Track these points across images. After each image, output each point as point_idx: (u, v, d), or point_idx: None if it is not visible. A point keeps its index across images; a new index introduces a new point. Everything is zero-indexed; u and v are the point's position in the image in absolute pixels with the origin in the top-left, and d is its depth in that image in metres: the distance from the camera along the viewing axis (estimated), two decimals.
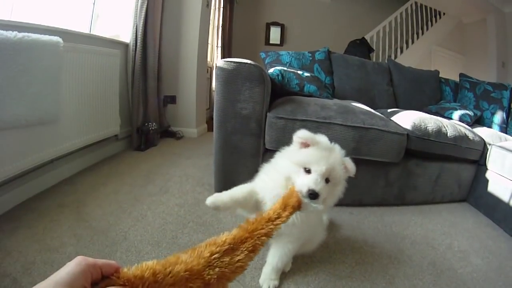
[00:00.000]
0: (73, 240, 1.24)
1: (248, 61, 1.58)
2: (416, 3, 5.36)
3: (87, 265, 0.38)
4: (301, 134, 0.93)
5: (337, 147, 0.97)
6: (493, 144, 2.07)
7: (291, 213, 0.75)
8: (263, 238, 0.66)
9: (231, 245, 0.60)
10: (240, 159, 1.65)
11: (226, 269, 0.56)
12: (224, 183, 1.70)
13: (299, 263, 1.26)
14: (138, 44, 2.38)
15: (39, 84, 1.46)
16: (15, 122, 1.36)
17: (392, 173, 1.87)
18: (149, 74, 2.57)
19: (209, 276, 0.53)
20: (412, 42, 5.39)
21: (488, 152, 2.07)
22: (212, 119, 1.74)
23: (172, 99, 2.98)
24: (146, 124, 2.51)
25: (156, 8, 2.53)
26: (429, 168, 1.97)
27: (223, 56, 3.86)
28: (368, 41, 5.02)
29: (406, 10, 5.33)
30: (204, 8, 3.01)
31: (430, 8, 5.51)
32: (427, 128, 1.84)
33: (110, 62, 2.10)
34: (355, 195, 1.85)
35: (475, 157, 2.10)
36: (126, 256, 1.16)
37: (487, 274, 1.38)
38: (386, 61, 2.87)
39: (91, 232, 1.30)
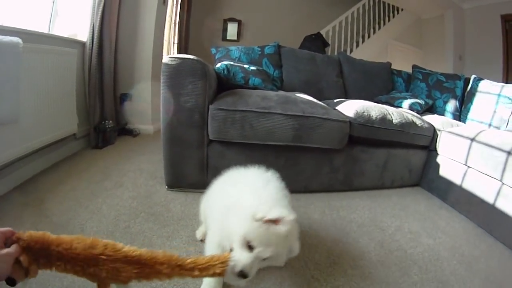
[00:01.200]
0: None
1: (192, 57, 1.66)
2: None
3: None
4: (275, 214, 0.80)
5: (291, 228, 0.83)
6: (443, 130, 2.18)
7: (205, 276, 0.76)
8: (162, 275, 0.71)
9: (127, 258, 0.68)
10: (186, 151, 1.73)
11: (106, 272, 0.67)
12: (173, 175, 1.79)
13: None
14: (95, 42, 2.44)
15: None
16: None
17: (336, 159, 1.95)
18: (105, 72, 2.63)
19: (93, 268, 0.67)
20: (369, 36, 5.52)
21: (438, 138, 2.18)
22: None
23: (129, 97, 3.04)
24: (103, 122, 2.56)
25: (113, 6, 2.59)
26: (375, 154, 2.06)
27: (179, 53, 3.90)
28: (324, 36, 5.12)
29: (364, 5, 5.41)
30: (160, 5, 3.07)
31: (388, 4, 5.65)
32: (371, 115, 1.93)
33: (67, 62, 2.17)
34: (301, 181, 1.94)
35: (425, 143, 2.21)
36: None
37: (439, 253, 1.41)
38: (337, 54, 3.00)
39: (52, 226, 1.37)
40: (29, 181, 1.84)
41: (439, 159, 2.20)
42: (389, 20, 5.66)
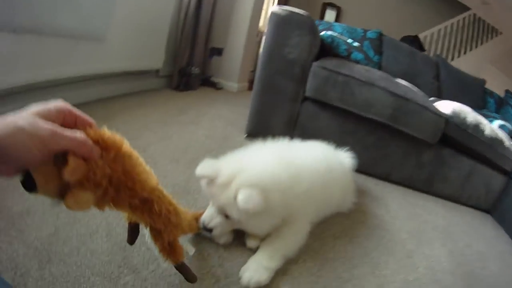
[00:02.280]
0: None
1: (302, 11, 1.63)
2: (474, 14, 5.15)
3: (65, 107, 0.41)
4: (198, 171, 0.82)
5: (241, 176, 0.81)
6: None
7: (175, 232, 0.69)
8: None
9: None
10: (278, 102, 1.67)
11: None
12: (257, 124, 1.72)
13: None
14: None
15: (93, 3, 1.53)
16: (65, 32, 1.42)
17: (425, 155, 1.83)
18: (201, 23, 2.65)
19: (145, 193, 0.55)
20: (465, 52, 5.19)
21: None
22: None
23: (219, 52, 3.01)
24: (189, 67, 2.57)
25: None
26: (462, 163, 1.92)
27: None
28: (422, 40, 4.88)
29: (464, 19, 5.12)
30: None
31: (488, 24, 5.28)
32: (466, 118, 1.80)
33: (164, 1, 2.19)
34: (384, 167, 1.80)
35: (508, 167, 2.02)
36: None
37: (499, 281, 1.28)
38: (435, 57, 2.82)
39: None
40: (100, 100, 1.82)
41: None
42: (486, 41, 5.23)
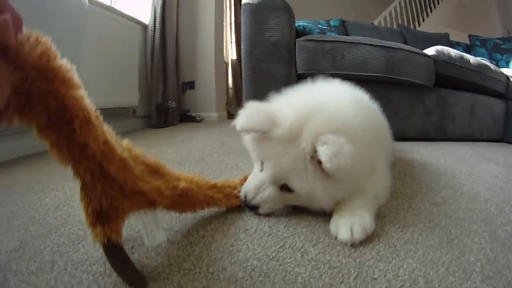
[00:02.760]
0: None
1: None
2: None
3: None
4: (241, 123, 0.58)
5: (317, 123, 0.56)
6: None
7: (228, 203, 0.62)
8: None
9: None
10: (272, 87, 1.63)
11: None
12: None
13: None
14: (157, 25, 2.46)
15: (62, 31, 1.46)
16: None
17: (428, 100, 1.84)
18: (168, 54, 2.61)
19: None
20: (419, 25, 5.45)
21: None
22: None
23: (191, 85, 2.94)
24: (166, 102, 2.50)
25: None
26: (461, 97, 1.97)
27: (238, 52, 3.85)
28: (377, 24, 5.06)
29: None
30: None
31: None
32: (450, 53, 1.87)
33: (131, 36, 2.15)
34: (396, 124, 1.73)
35: (501, 89, 2.12)
36: None
37: None
38: (398, 27, 2.97)
39: None
40: None
41: None
42: (435, 8, 5.52)
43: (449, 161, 1.30)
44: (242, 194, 0.62)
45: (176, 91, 2.76)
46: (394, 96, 1.74)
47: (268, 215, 0.63)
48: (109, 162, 0.40)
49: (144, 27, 2.50)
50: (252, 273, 0.45)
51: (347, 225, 0.54)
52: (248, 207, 0.62)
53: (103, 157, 0.39)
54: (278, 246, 0.52)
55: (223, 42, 3.41)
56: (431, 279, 0.45)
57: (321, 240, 0.55)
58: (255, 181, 0.61)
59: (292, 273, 0.46)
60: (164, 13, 2.52)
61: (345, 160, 0.50)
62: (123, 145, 0.46)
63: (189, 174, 0.58)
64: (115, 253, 0.41)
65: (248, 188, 0.62)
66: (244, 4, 1.63)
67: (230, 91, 3.92)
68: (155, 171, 0.50)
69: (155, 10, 2.47)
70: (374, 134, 0.70)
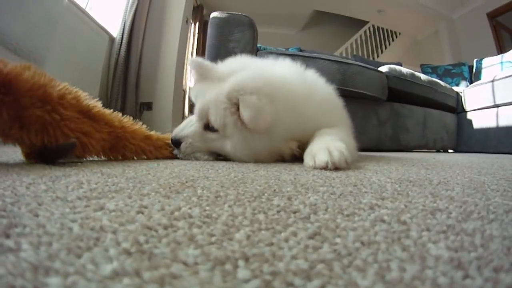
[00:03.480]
0: None
1: (239, 13, 1.77)
2: (373, 26, 5.90)
3: None
4: (193, 59, 0.71)
5: (243, 73, 0.64)
6: (465, 89, 2.42)
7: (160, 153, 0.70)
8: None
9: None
10: None
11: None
12: None
13: None
14: (124, 39, 2.53)
15: (37, 19, 1.53)
16: (7, 40, 1.39)
17: (382, 112, 1.99)
18: (131, 72, 2.66)
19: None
20: (377, 57, 5.84)
21: (463, 97, 2.37)
22: None
23: (149, 106, 2.95)
24: None
25: (143, 11, 2.75)
26: (414, 111, 2.13)
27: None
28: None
29: (365, 32, 5.87)
30: (184, 23, 3.24)
31: (387, 30, 6.05)
32: (402, 71, 2.06)
33: (98, 44, 2.25)
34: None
35: (452, 103, 2.34)
36: None
37: None
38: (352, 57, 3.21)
39: None
40: None
41: (469, 116, 2.34)
42: (389, 44, 5.94)
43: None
44: (173, 133, 0.70)
45: (134, 110, 2.78)
46: (349, 107, 1.85)
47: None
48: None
49: (112, 39, 2.56)
50: None
51: (324, 149, 0.54)
52: (173, 142, 0.69)
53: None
54: None
55: (183, 69, 3.49)
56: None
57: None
58: (185, 121, 0.70)
59: None
60: (132, 29, 2.61)
61: (264, 120, 0.58)
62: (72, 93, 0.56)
63: (128, 120, 0.69)
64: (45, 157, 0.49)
65: (178, 126, 0.70)
66: (213, 18, 1.76)
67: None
68: (90, 116, 0.59)
69: (124, 24, 2.55)
70: (316, 101, 0.72)
